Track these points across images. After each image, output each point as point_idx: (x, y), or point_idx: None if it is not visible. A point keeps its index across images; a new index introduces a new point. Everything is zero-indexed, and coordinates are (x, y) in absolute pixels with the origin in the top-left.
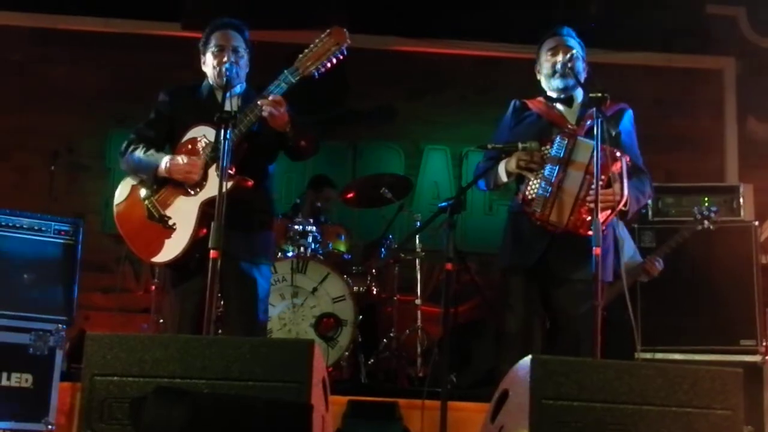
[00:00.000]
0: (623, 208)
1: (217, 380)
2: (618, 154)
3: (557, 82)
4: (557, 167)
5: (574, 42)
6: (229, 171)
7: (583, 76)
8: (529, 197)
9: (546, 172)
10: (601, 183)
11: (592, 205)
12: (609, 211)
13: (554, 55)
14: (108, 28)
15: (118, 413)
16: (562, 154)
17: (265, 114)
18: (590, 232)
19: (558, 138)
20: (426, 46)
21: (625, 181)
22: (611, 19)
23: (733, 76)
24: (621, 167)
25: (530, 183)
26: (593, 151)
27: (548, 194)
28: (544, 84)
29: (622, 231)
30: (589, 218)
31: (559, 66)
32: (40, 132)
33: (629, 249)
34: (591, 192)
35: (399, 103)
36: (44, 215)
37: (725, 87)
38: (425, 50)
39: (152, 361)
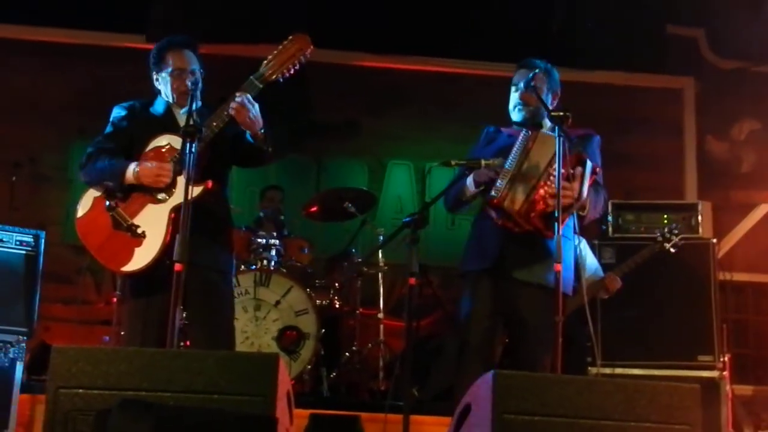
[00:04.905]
0: (581, 213)
1: (182, 393)
2: (583, 156)
3: (515, 115)
4: (519, 154)
5: (545, 77)
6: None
7: (551, 105)
8: (493, 193)
9: (507, 164)
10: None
11: (547, 197)
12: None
13: (516, 90)
14: (72, 39)
15: (83, 426)
16: (524, 144)
17: (231, 112)
18: (539, 225)
19: (523, 131)
20: (389, 62)
21: (587, 183)
22: (572, 37)
23: (692, 96)
24: (583, 169)
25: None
26: (556, 148)
27: (507, 178)
28: (510, 114)
29: (584, 247)
30: (542, 207)
31: (519, 101)
32: (1, 143)
33: (591, 265)
34: (549, 182)
35: (362, 118)
36: (6, 226)
37: (684, 106)
38: (388, 66)
39: (117, 373)
